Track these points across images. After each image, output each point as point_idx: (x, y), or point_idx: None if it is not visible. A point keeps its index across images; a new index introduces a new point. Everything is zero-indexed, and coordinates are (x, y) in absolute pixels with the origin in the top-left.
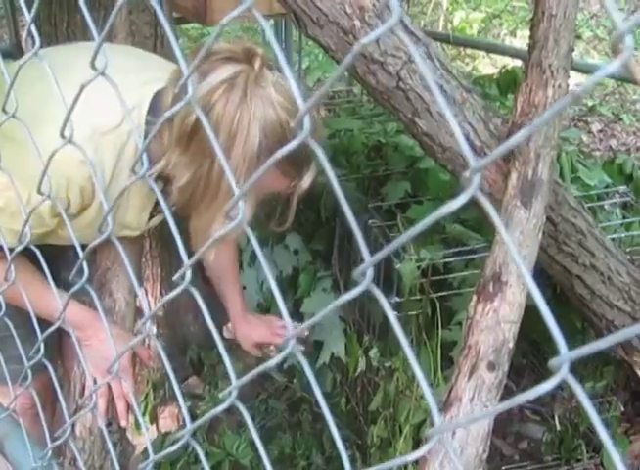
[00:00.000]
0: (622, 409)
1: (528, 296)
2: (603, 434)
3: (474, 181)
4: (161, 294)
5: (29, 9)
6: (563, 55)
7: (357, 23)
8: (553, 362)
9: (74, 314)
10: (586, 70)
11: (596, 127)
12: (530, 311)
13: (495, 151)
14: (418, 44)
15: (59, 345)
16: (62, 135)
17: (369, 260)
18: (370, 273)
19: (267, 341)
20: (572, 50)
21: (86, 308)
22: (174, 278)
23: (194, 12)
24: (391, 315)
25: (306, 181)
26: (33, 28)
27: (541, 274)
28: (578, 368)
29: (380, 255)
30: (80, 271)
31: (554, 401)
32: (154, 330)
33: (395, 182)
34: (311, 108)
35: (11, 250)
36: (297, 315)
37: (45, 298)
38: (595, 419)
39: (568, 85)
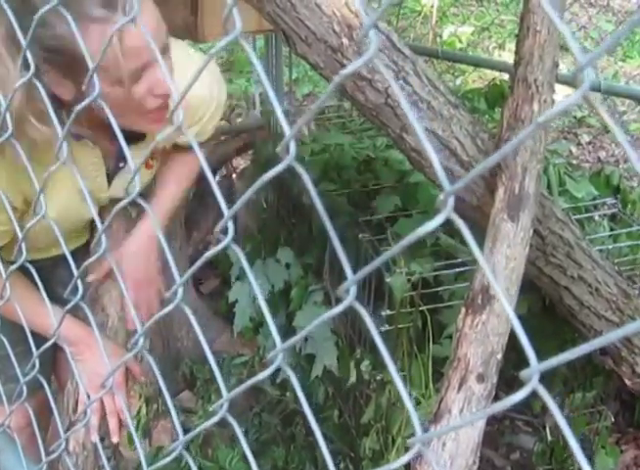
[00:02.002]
0: (613, 419)
1: (517, 308)
2: (571, 440)
3: (448, 203)
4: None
5: None
6: (548, 70)
7: (345, 41)
8: (523, 373)
9: (68, 330)
10: (573, 82)
11: (585, 139)
12: (521, 323)
13: (466, 176)
14: (406, 61)
15: (53, 359)
16: None
17: (352, 278)
18: (353, 290)
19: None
20: (557, 65)
21: (80, 324)
22: (166, 295)
23: (184, 28)
24: (375, 331)
25: None
26: None
27: (530, 286)
28: (568, 379)
29: (362, 273)
30: (75, 289)
31: (545, 412)
32: (147, 345)
33: (385, 196)
34: (296, 133)
35: None
36: (289, 329)
37: (40, 313)
38: (567, 432)
39: (553, 100)
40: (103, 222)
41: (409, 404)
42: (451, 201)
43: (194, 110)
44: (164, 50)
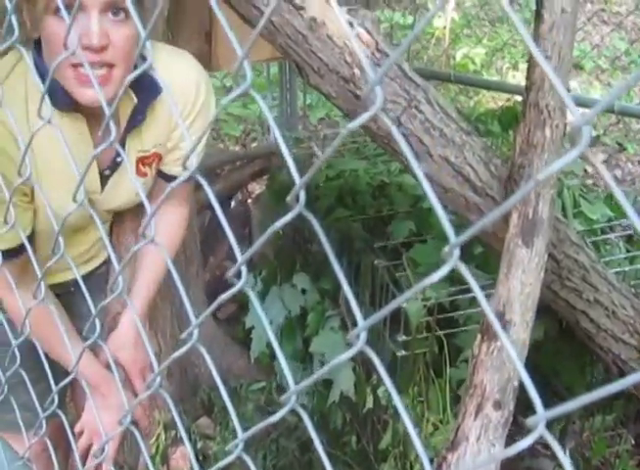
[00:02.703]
0: (633, 442)
1: (534, 331)
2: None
3: (454, 254)
4: (171, 335)
5: None
6: (559, 95)
7: (357, 71)
8: (530, 421)
9: (87, 368)
10: (586, 104)
11: (600, 158)
12: (540, 346)
13: (472, 227)
14: (417, 89)
15: (69, 385)
16: None
17: (362, 325)
18: (363, 336)
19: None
20: (569, 90)
21: (98, 364)
22: (182, 336)
23: (198, 57)
24: (384, 374)
25: None
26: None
27: (546, 308)
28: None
29: (371, 320)
30: (93, 327)
31: (565, 435)
32: (163, 383)
33: (400, 221)
34: (306, 182)
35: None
36: (306, 354)
37: (61, 345)
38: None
39: (565, 125)
40: (109, 236)
41: (418, 444)
42: (456, 252)
43: (180, 103)
44: (113, 6)
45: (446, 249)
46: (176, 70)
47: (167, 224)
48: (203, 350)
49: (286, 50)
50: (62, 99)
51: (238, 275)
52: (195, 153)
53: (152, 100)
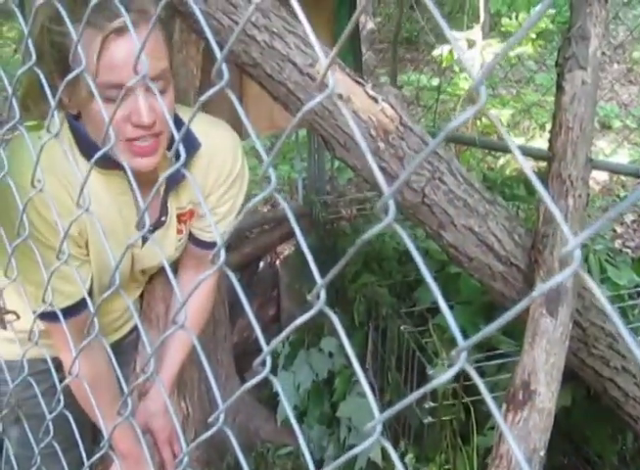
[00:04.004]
0: None
1: (560, 399)
2: None
3: (461, 357)
4: (199, 398)
5: None
6: (581, 166)
7: (382, 144)
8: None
9: (120, 442)
10: (610, 168)
11: (629, 218)
12: (569, 412)
13: (481, 332)
14: (441, 161)
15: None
16: None
17: (379, 417)
18: (379, 428)
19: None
20: (591, 160)
21: (129, 435)
22: (209, 420)
23: (230, 125)
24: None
25: None
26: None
27: (574, 376)
28: (619, 468)
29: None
30: (125, 402)
31: None
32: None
33: (426, 287)
34: (326, 283)
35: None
36: (333, 419)
37: (102, 406)
38: None
39: (588, 194)
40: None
41: None
42: (464, 355)
43: (216, 169)
44: (157, 84)
45: (454, 352)
46: (213, 137)
47: (199, 294)
48: (230, 433)
49: (312, 125)
50: (102, 157)
51: (263, 364)
52: (228, 220)
53: (190, 158)
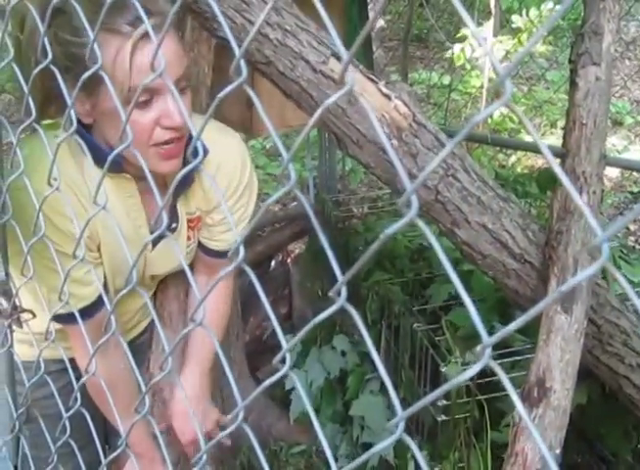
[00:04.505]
0: None
1: (576, 397)
2: None
3: (486, 353)
4: (213, 397)
5: None
6: (595, 162)
7: (395, 142)
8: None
9: (137, 441)
10: (623, 165)
11: None
12: (584, 410)
13: (504, 329)
14: (454, 158)
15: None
16: None
17: (401, 414)
18: (402, 426)
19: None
20: (605, 156)
21: (145, 434)
22: (228, 418)
23: (240, 122)
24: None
25: None
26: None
27: (590, 373)
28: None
29: (412, 409)
30: (143, 402)
31: None
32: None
33: (439, 284)
34: (347, 279)
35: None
36: (346, 417)
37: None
38: None
39: (602, 190)
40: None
41: None
42: (488, 352)
43: (226, 177)
44: (179, 83)
45: (479, 348)
46: (221, 144)
47: (216, 299)
48: (249, 430)
49: (325, 122)
50: (112, 162)
51: (283, 360)
52: (240, 228)
53: (199, 164)
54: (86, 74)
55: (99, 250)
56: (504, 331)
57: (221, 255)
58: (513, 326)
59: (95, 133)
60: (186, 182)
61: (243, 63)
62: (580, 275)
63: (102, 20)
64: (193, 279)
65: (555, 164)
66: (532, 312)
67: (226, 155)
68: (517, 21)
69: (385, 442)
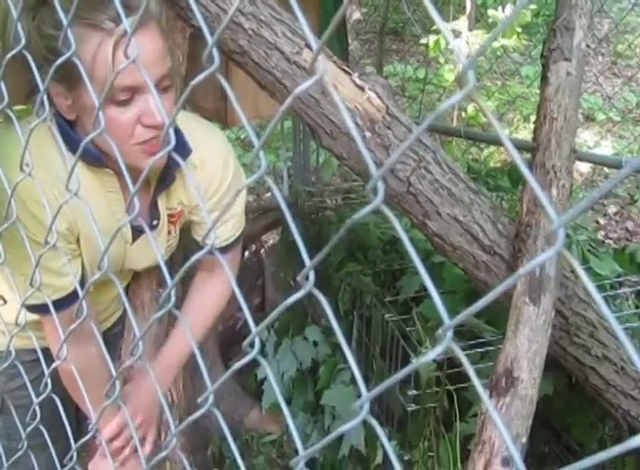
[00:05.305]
0: None
1: (542, 387)
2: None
3: (447, 335)
4: (184, 386)
5: None
6: (565, 156)
7: (368, 134)
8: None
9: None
10: (594, 160)
11: (612, 210)
12: (550, 401)
13: (466, 311)
14: (427, 151)
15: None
16: None
17: (366, 395)
18: (367, 407)
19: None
20: (574, 151)
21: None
22: (198, 401)
23: (215, 113)
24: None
25: None
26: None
27: (556, 364)
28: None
29: (377, 390)
30: (113, 387)
31: None
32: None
33: (410, 276)
34: (316, 263)
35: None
36: (317, 407)
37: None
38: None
39: (571, 184)
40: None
41: None
42: (449, 334)
43: (208, 175)
44: (162, 82)
45: (440, 330)
46: (205, 142)
47: (214, 292)
48: (218, 414)
49: (299, 113)
50: (93, 156)
51: (252, 345)
52: (230, 224)
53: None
54: (60, 60)
55: (78, 242)
56: (465, 313)
57: (218, 251)
58: (473, 309)
59: (78, 129)
60: (167, 181)
61: (215, 51)
62: (536, 260)
63: (83, 14)
64: (193, 277)
65: (516, 154)
66: (492, 295)
67: (209, 154)
68: (493, 16)
69: (350, 422)
